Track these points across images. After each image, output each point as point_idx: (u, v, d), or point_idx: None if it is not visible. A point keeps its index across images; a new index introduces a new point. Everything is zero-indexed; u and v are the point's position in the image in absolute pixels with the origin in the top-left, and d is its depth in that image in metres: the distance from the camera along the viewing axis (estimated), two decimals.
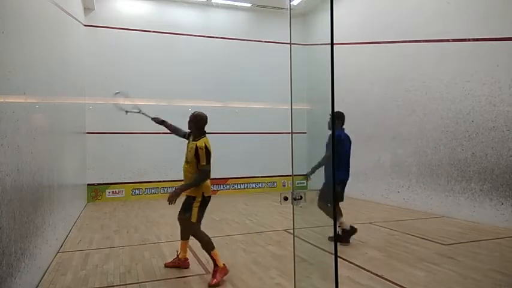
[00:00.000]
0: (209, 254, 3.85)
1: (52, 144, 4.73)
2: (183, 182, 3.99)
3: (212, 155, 3.88)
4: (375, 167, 8.79)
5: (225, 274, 3.77)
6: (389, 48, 8.35)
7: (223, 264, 3.82)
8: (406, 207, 7.71)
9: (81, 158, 8.51)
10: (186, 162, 3.97)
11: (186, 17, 10.66)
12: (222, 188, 10.78)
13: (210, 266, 4.15)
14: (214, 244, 3.88)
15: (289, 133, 9.68)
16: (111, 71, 9.78)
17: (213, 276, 3.70)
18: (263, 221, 6.66)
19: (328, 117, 3.93)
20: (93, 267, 4.23)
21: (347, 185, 5.25)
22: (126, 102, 5.64)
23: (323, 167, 4.57)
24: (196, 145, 3.83)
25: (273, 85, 10.49)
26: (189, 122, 4.06)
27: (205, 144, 3.84)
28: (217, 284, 3.64)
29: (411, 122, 7.69)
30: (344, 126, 5.09)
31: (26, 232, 3.26)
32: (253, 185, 10.95)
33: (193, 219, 3.85)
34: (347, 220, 5.91)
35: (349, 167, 4.91)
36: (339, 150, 4.54)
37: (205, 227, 6.28)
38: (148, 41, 10.16)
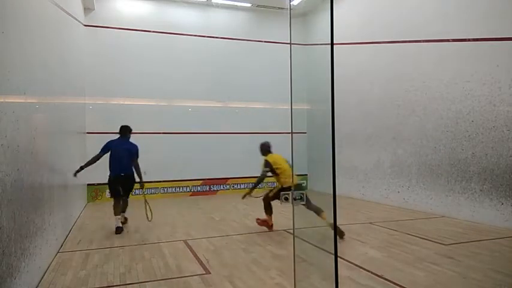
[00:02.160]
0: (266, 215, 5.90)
1: (52, 144, 4.73)
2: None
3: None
4: (374, 167, 8.79)
5: (267, 226, 5.87)
6: (389, 48, 8.35)
7: (272, 224, 5.89)
8: (406, 207, 7.71)
9: (81, 158, 8.51)
10: None
11: (186, 17, 10.66)
12: (222, 188, 10.78)
13: (210, 266, 4.16)
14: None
15: (289, 133, 9.67)
16: (111, 71, 9.78)
17: (261, 222, 5.91)
18: None
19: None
20: (93, 267, 4.23)
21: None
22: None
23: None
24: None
25: (273, 85, 10.49)
26: None
27: (265, 159, 5.89)
28: (260, 224, 5.90)
29: (411, 122, 7.69)
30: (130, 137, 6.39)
31: (26, 232, 3.26)
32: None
33: (270, 194, 5.83)
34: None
35: (117, 169, 6.03)
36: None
37: (205, 227, 6.32)
38: (148, 41, 10.16)
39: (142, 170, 6.25)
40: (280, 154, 6.01)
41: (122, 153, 5.99)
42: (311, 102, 11.13)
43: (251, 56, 11.08)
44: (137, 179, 6.20)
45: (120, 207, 6.09)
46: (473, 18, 6.38)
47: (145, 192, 6.51)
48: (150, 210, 6.23)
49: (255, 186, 5.85)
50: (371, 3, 9.10)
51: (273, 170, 5.76)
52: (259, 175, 5.80)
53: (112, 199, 6.18)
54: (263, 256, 4.53)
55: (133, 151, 6.10)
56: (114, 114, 9.85)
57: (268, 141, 6.16)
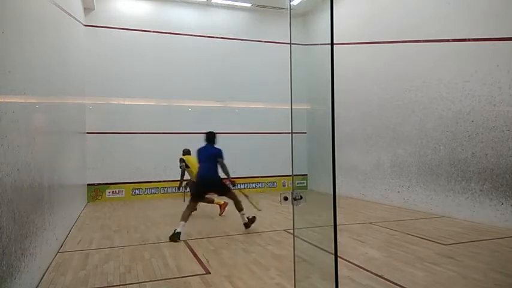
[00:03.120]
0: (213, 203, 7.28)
1: (52, 144, 4.73)
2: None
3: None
4: (375, 167, 8.79)
5: (225, 206, 7.24)
6: (389, 48, 8.35)
7: (223, 202, 7.08)
8: (406, 207, 7.71)
9: (81, 158, 8.52)
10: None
11: (186, 17, 10.66)
12: None
13: (210, 266, 4.16)
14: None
15: (289, 133, 9.68)
16: (111, 71, 9.78)
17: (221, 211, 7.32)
18: (263, 221, 6.66)
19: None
20: (93, 267, 4.23)
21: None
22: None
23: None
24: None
25: (273, 85, 10.49)
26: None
27: (180, 158, 7.72)
28: (223, 213, 7.25)
29: (411, 122, 7.69)
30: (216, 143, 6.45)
31: (26, 232, 3.26)
32: (253, 185, 10.94)
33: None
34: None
35: (200, 172, 6.19)
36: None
37: (205, 226, 6.32)
38: (148, 41, 10.17)
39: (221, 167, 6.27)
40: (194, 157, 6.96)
41: (204, 158, 6.24)
42: (311, 102, 11.14)
43: (251, 56, 11.08)
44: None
45: (189, 214, 5.81)
46: (473, 18, 6.38)
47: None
48: (256, 201, 6.45)
49: (181, 178, 7.55)
50: (371, 3, 9.10)
51: (186, 165, 7.49)
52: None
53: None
54: (263, 256, 4.53)
55: (216, 154, 6.22)
56: (114, 114, 9.87)
57: (189, 148, 7.72)
